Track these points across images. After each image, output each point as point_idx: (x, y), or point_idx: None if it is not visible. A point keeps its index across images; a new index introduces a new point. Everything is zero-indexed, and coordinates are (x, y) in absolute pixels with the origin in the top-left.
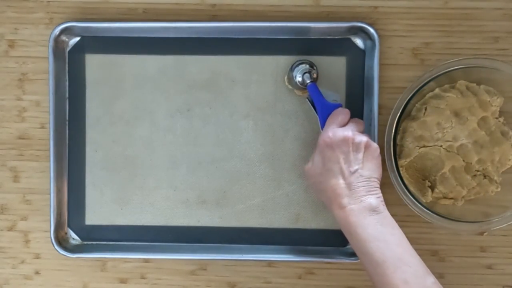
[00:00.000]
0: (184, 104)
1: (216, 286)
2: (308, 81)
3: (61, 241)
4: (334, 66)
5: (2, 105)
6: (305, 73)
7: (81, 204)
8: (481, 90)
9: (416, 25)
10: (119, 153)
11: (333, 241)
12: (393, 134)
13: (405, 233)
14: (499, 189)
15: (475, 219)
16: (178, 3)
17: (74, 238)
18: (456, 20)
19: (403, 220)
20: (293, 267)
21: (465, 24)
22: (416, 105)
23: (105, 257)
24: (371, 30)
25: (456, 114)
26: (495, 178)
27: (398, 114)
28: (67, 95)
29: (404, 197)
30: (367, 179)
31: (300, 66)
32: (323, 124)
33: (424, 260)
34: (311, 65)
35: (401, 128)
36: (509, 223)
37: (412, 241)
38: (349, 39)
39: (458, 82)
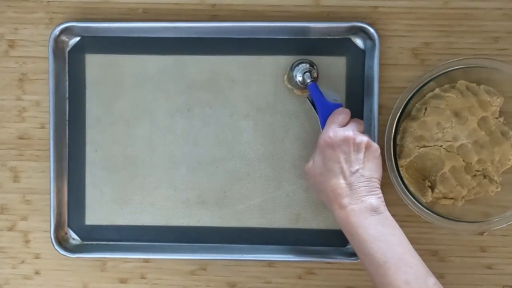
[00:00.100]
0: (184, 104)
1: (216, 286)
2: (308, 81)
3: (61, 241)
4: (334, 66)
5: (2, 105)
6: (305, 72)
7: (81, 204)
8: (481, 90)
9: (416, 25)
10: (119, 153)
11: (333, 241)
12: (393, 134)
13: (405, 233)
14: (499, 189)
15: (475, 219)
16: (178, 3)
17: (74, 238)
18: (456, 20)
19: (403, 220)
20: (293, 267)
21: (465, 24)
22: (416, 105)
23: (105, 257)
24: (371, 30)
25: (456, 114)
26: (495, 178)
27: (398, 114)
28: (67, 95)
29: (404, 197)
30: (368, 179)
31: (300, 65)
32: (323, 124)
33: (424, 260)
34: (311, 64)
35: (401, 128)
36: (509, 223)
37: (412, 241)
38: (349, 39)
39: (458, 82)
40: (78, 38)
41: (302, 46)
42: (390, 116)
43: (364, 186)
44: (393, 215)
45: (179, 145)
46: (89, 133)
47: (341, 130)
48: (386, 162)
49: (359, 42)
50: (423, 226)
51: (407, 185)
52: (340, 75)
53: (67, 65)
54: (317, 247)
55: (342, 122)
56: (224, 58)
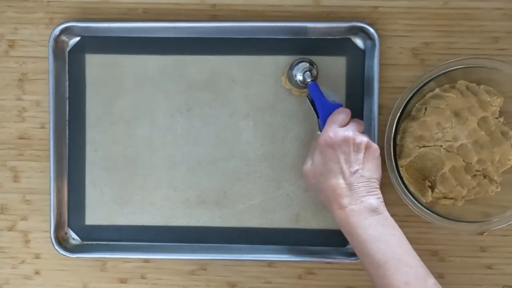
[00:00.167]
0: (184, 104)
1: (216, 286)
2: (308, 80)
3: (61, 241)
4: (334, 66)
5: (2, 105)
6: (305, 71)
7: (81, 204)
8: (481, 90)
9: (416, 25)
10: (119, 153)
11: (333, 241)
12: (393, 134)
13: (405, 233)
14: (499, 189)
15: (475, 219)
16: (178, 3)
17: (74, 238)
18: (456, 20)
19: (403, 220)
20: (293, 267)
21: (465, 24)
22: (416, 105)
23: (105, 257)
24: (371, 30)
25: (456, 114)
26: (495, 178)
27: (398, 114)
28: (67, 95)
29: (404, 197)
30: (368, 180)
31: (300, 64)
32: (323, 124)
33: (424, 260)
34: (311, 63)
35: (401, 128)
36: (509, 223)
37: (412, 241)
38: (349, 39)
39: (458, 82)
40: (78, 38)
41: (302, 46)
42: (390, 116)
43: (364, 187)
44: (393, 215)
45: (179, 145)
46: (89, 133)
47: (341, 130)
48: (386, 162)
49: (359, 42)
50: (423, 226)
51: (407, 185)
52: (340, 75)
53: (67, 65)
54: (317, 247)
55: (342, 122)
56: (224, 58)
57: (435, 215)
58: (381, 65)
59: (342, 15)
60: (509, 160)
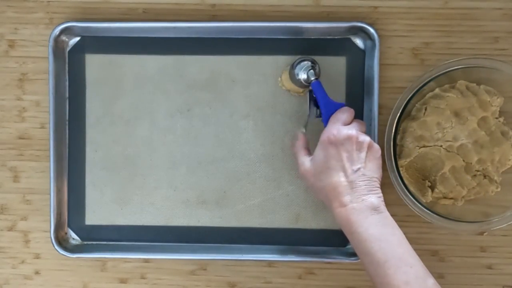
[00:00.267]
0: (184, 104)
1: (216, 286)
2: (312, 78)
3: (61, 241)
4: (334, 66)
5: (2, 105)
6: (309, 70)
7: (81, 204)
8: (481, 90)
9: (416, 25)
10: (119, 153)
11: (333, 241)
12: (393, 134)
13: (405, 233)
14: (499, 189)
15: (475, 219)
16: (178, 3)
17: (74, 238)
18: (456, 20)
19: (403, 220)
20: (293, 267)
21: (465, 24)
22: (416, 105)
23: (105, 257)
24: (371, 30)
25: (456, 114)
26: (495, 178)
27: (398, 114)
28: (67, 95)
29: (404, 197)
30: (369, 179)
31: (303, 63)
32: (326, 122)
33: (424, 260)
34: (313, 62)
35: (401, 128)
36: (509, 223)
37: (412, 241)
38: (349, 39)
39: (458, 82)
40: (78, 38)
41: (302, 46)
42: (390, 116)
43: (365, 185)
44: (393, 215)
45: (179, 145)
46: (89, 133)
47: (344, 128)
48: (386, 162)
49: (359, 42)
50: (423, 226)
51: (407, 185)
52: (340, 75)
53: (67, 65)
54: (317, 247)
55: (345, 120)
56: (224, 58)
57: (435, 215)
58: (381, 65)
59: (342, 15)
60: (509, 160)
